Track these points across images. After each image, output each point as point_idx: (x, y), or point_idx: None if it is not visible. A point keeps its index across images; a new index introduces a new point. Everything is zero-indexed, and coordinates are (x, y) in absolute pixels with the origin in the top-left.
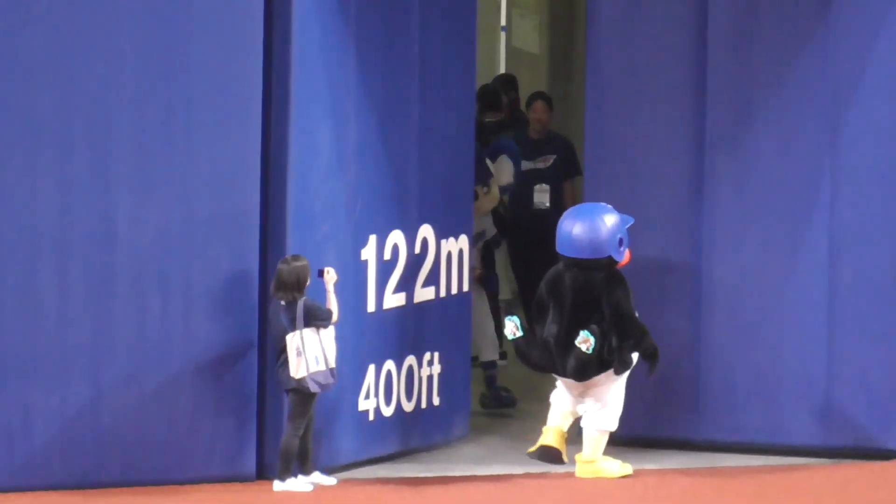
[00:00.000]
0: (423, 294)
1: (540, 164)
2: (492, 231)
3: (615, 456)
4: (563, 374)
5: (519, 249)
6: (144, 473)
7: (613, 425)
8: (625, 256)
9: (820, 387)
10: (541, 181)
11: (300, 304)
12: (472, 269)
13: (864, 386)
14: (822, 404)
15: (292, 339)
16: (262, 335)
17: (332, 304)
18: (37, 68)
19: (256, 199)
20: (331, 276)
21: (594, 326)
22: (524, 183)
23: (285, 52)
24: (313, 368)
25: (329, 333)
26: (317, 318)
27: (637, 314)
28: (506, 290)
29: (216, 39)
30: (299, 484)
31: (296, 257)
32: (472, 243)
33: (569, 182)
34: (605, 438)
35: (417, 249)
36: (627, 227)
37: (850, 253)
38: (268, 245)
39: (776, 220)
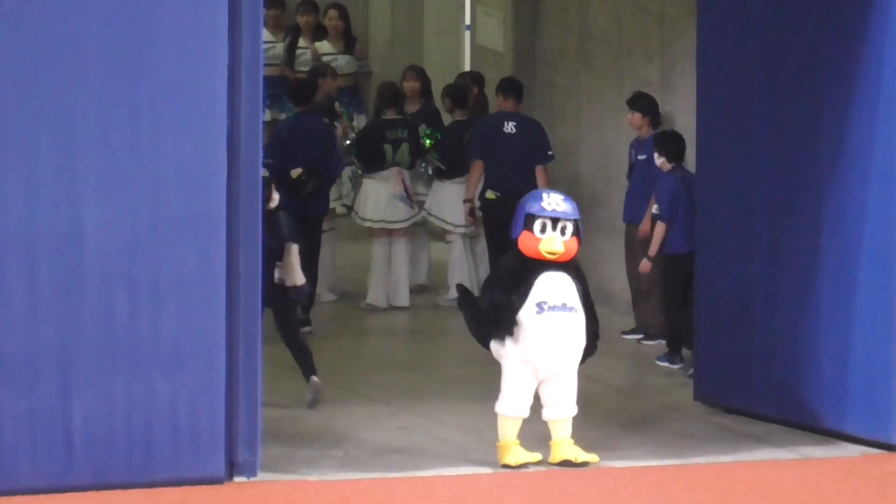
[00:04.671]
0: None
1: None
2: None
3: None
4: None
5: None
6: (114, 476)
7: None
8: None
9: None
10: None
11: (281, 214)
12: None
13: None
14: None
15: (295, 249)
16: (231, 334)
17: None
18: (1, 69)
19: (223, 199)
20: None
21: None
22: None
23: (251, 51)
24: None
25: None
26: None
27: None
28: None
29: (181, 40)
30: None
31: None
32: None
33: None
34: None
35: None
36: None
37: None
38: (234, 244)
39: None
